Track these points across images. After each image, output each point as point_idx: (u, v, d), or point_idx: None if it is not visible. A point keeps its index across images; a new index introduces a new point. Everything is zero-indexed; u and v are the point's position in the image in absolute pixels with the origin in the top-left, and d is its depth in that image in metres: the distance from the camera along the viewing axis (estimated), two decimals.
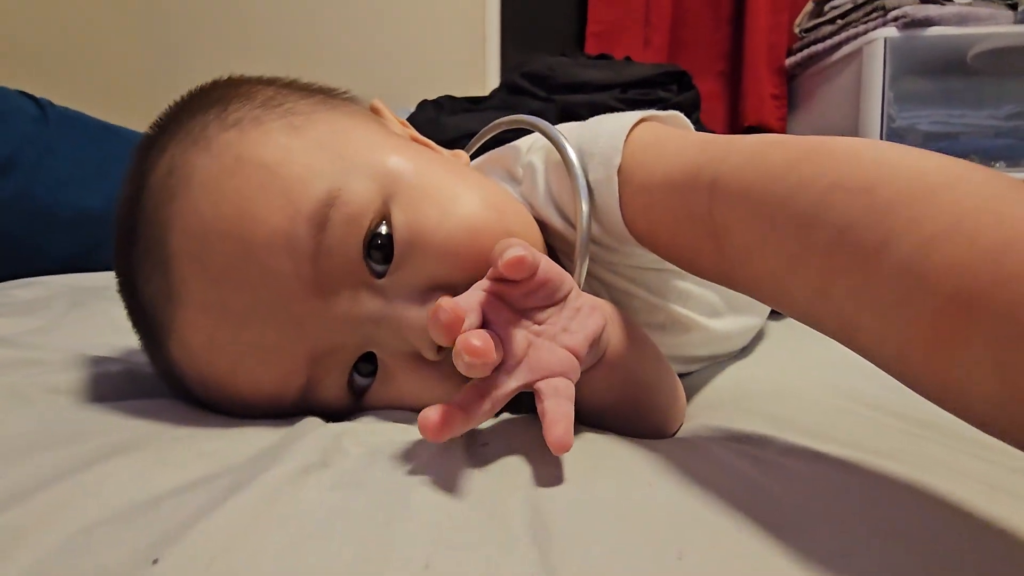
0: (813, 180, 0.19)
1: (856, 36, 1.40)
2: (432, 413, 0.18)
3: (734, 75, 1.75)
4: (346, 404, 0.28)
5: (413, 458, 0.19)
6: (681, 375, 0.38)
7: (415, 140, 0.34)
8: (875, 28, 1.35)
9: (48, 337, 0.38)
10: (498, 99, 1.34)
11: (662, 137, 0.30)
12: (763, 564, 0.13)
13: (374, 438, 0.21)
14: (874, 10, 1.36)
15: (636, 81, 1.29)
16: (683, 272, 0.34)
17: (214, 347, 0.25)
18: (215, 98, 0.28)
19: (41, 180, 0.79)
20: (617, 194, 0.29)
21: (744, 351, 0.43)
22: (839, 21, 1.47)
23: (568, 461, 0.19)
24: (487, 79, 1.76)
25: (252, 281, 0.24)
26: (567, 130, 0.33)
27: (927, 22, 1.30)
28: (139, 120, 1.02)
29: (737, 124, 1.74)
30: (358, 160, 0.27)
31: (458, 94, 1.51)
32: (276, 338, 0.25)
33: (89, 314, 0.46)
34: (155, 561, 0.11)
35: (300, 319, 0.25)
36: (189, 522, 0.13)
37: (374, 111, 0.34)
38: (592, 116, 1.38)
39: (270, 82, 0.31)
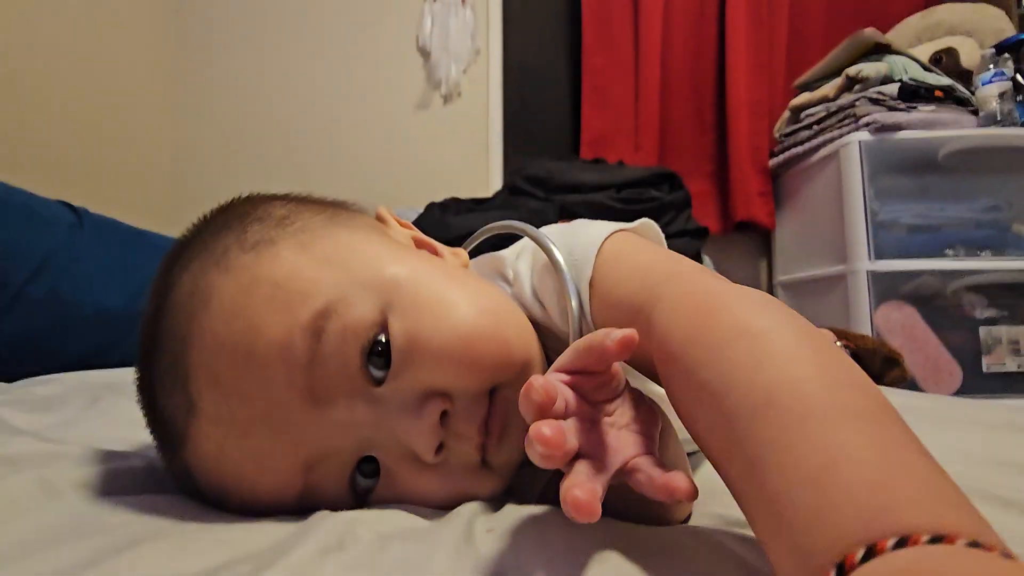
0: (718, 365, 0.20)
1: (832, 140, 1.52)
2: (575, 495, 0.18)
3: (722, 175, 1.87)
4: (351, 505, 0.27)
5: (422, 541, 0.20)
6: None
7: (417, 242, 0.35)
8: (849, 132, 1.46)
9: (70, 431, 0.39)
10: (500, 199, 1.43)
11: (624, 253, 0.32)
12: None
13: (383, 526, 0.22)
14: (846, 117, 1.48)
15: (629, 182, 1.39)
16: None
17: (222, 456, 0.26)
18: (235, 216, 0.30)
19: (69, 281, 0.83)
20: (589, 305, 0.31)
21: None
22: (815, 127, 1.59)
23: (571, 552, 0.20)
24: (490, 181, 1.87)
25: (252, 391, 0.25)
26: (550, 233, 0.35)
27: (896, 127, 1.41)
28: (166, 225, 1.09)
29: (729, 219, 1.82)
30: (359, 273, 0.28)
31: (464, 195, 1.62)
32: (271, 446, 0.25)
33: (107, 409, 0.48)
34: None
35: (294, 429, 0.25)
36: None
37: (379, 219, 0.35)
38: (589, 214, 1.44)
39: (285, 199, 0.33)
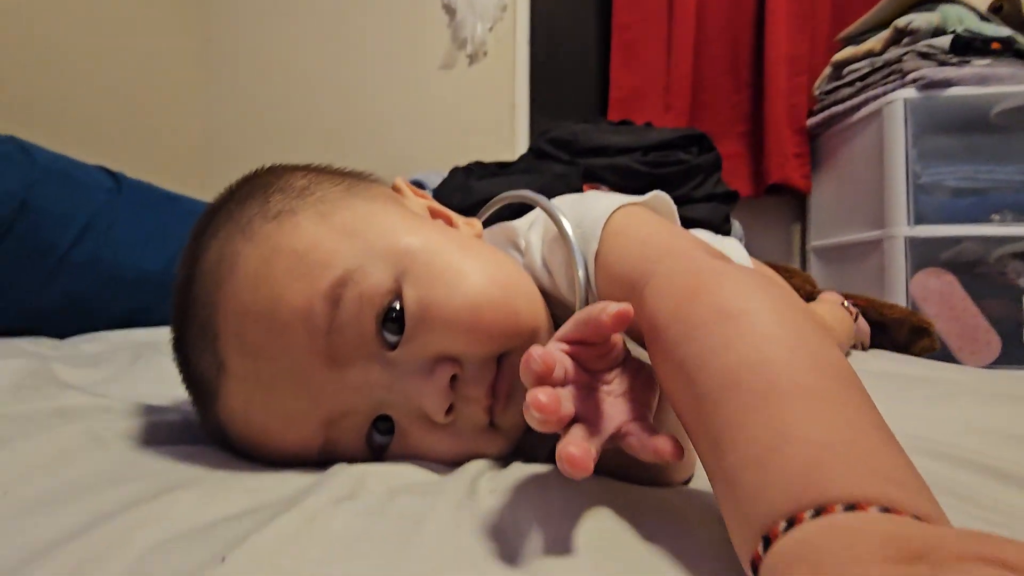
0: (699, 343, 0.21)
1: (875, 98, 1.44)
2: (569, 451, 0.19)
3: (756, 136, 1.80)
4: (368, 460, 0.29)
5: (427, 495, 0.21)
6: None
7: (433, 212, 0.36)
8: (894, 89, 1.38)
9: (115, 387, 0.43)
10: (524, 163, 1.41)
11: (628, 228, 0.32)
12: None
13: (394, 480, 0.24)
14: (892, 72, 1.40)
15: (657, 144, 1.35)
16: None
17: (249, 412, 0.28)
18: (259, 186, 0.32)
19: (109, 245, 0.87)
20: (595, 278, 0.32)
21: None
22: (857, 84, 1.51)
23: (571, 519, 0.21)
24: (516, 143, 1.85)
25: (276, 354, 0.27)
26: (562, 204, 0.36)
27: (946, 83, 1.32)
28: (199, 189, 1.12)
29: (762, 182, 1.76)
30: (375, 242, 0.29)
31: (489, 158, 1.60)
32: (294, 403, 0.28)
33: (148, 367, 0.51)
34: (223, 559, 0.14)
35: (315, 387, 0.27)
36: (244, 536, 0.16)
37: (395, 189, 0.37)
38: (615, 178, 1.43)
39: (305, 169, 0.34)
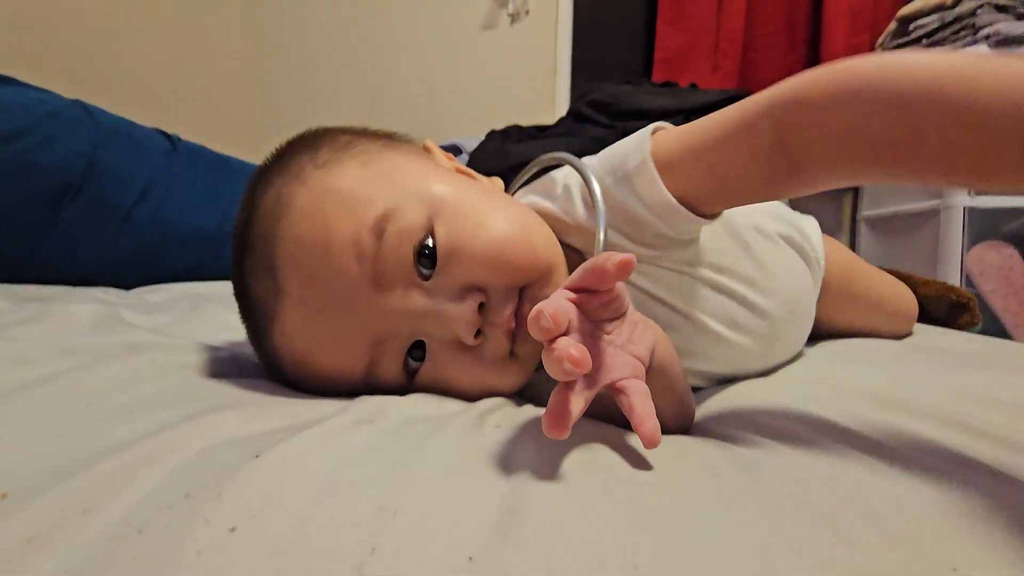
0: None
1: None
2: (548, 417, 0.21)
3: None
4: (402, 383, 0.33)
5: (438, 424, 0.24)
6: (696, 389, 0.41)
7: (459, 171, 0.40)
8: (964, 47, 1.28)
9: (176, 329, 0.47)
10: (563, 127, 1.40)
11: (680, 128, 0.35)
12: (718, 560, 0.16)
13: (411, 411, 0.26)
14: (963, 28, 1.30)
15: (700, 107, 1.31)
16: (705, 276, 0.39)
17: (305, 331, 0.32)
18: (307, 144, 0.36)
19: (169, 204, 0.94)
20: (655, 174, 0.34)
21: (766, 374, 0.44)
22: (924, 41, 1.40)
23: (562, 450, 0.23)
24: (556, 108, 1.82)
25: (331, 278, 0.31)
26: (592, 159, 0.39)
27: (1023, 40, 1.22)
28: (247, 151, 1.17)
29: None
30: (410, 187, 0.33)
31: (529, 121, 1.59)
32: (347, 324, 0.31)
33: (204, 315, 0.56)
34: (257, 456, 0.18)
35: (364, 310, 0.31)
36: (275, 443, 0.19)
37: (426, 149, 0.41)
38: None
39: (347, 130, 0.38)
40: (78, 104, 0.91)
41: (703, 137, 0.33)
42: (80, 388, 0.26)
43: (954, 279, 1.27)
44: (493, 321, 0.32)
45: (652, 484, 0.21)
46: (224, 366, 0.34)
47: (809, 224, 0.57)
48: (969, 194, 1.26)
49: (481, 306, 0.32)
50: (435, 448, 0.21)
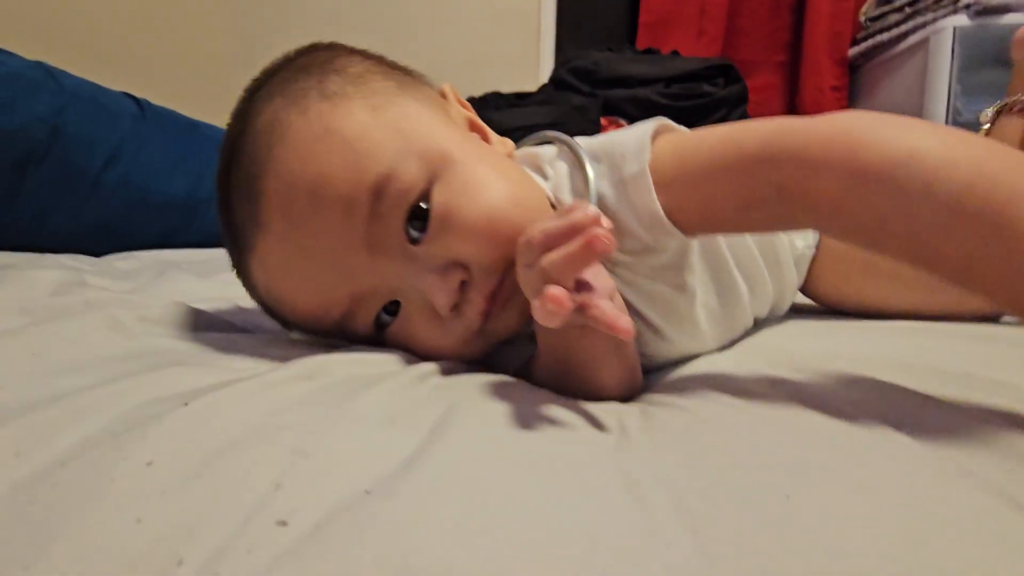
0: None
1: (924, 25, 1.34)
2: (545, 300, 0.23)
3: (793, 66, 1.70)
4: (370, 335, 0.33)
5: (378, 379, 0.25)
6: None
7: (471, 125, 0.38)
8: (945, 16, 1.28)
9: (139, 295, 0.48)
10: (543, 94, 1.39)
11: (681, 136, 0.34)
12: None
13: (355, 368, 0.27)
14: None
15: (681, 75, 1.30)
16: (675, 282, 0.38)
17: (285, 270, 0.31)
18: (317, 63, 0.33)
19: (138, 170, 0.92)
20: (651, 187, 0.32)
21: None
22: (907, 9, 1.40)
23: (498, 409, 0.24)
24: (540, 74, 1.79)
25: (321, 230, 0.30)
26: (590, 143, 0.37)
27: (1003, 8, 1.22)
28: (221, 115, 1.14)
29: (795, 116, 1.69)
30: (417, 143, 0.31)
31: (513, 87, 1.56)
32: (330, 277, 0.31)
33: (169, 282, 0.57)
34: (186, 404, 0.19)
35: (350, 267, 0.31)
36: (211, 390, 0.21)
37: (442, 95, 0.38)
38: (635, 110, 1.38)
39: (363, 55, 0.35)
40: (40, 66, 0.88)
41: (701, 166, 0.31)
42: (29, 342, 0.27)
43: None
44: (470, 299, 0.32)
45: (573, 443, 0.22)
46: (181, 323, 0.35)
47: None
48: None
49: (463, 283, 0.31)
50: (365, 401, 0.22)
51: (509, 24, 1.78)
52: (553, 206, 0.36)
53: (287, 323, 0.36)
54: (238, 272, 0.35)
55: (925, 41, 1.32)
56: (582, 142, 0.38)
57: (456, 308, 0.32)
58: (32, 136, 0.81)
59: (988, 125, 0.62)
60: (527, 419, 0.23)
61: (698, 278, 0.39)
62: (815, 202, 0.27)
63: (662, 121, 0.35)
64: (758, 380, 0.30)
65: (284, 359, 0.28)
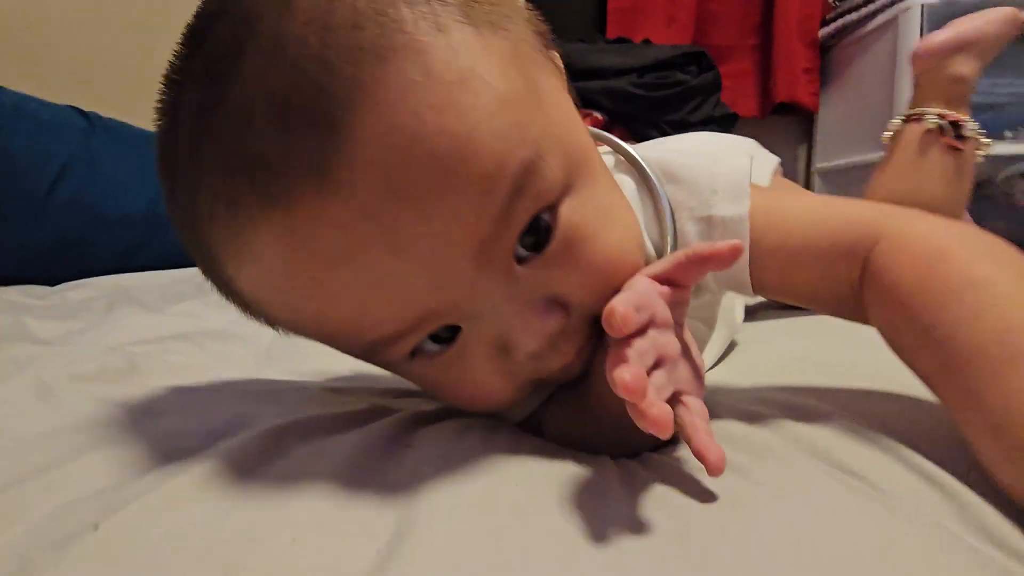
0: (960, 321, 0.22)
1: (892, 3, 1.33)
2: (650, 422, 0.19)
3: (765, 50, 1.69)
4: (400, 360, 0.24)
5: (332, 454, 0.23)
6: None
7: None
8: None
9: (81, 341, 0.44)
10: None
11: (774, 202, 0.30)
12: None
13: (321, 444, 0.23)
14: None
15: (654, 64, 1.28)
16: (711, 315, 0.38)
17: (349, 259, 0.20)
18: None
19: (90, 187, 0.87)
20: (747, 250, 0.28)
21: None
22: None
23: (466, 460, 0.22)
24: None
25: (435, 216, 0.20)
26: (655, 157, 0.31)
27: None
28: None
29: (769, 101, 1.68)
30: (559, 133, 0.23)
31: None
32: (416, 282, 0.21)
33: (117, 319, 0.52)
34: (96, 527, 0.16)
35: (448, 276, 0.22)
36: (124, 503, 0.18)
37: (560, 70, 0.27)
38: (609, 102, 1.35)
39: None
40: None
41: (791, 250, 0.28)
42: None
43: None
44: (559, 347, 0.25)
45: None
46: (113, 379, 0.32)
47: (762, 156, 0.52)
48: None
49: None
50: (323, 487, 0.19)
51: None
52: None
53: (274, 323, 0.26)
54: (226, 233, 0.22)
55: (894, 20, 1.32)
56: (643, 154, 0.32)
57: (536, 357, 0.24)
58: None
59: (891, 133, 0.64)
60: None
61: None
62: (877, 284, 0.26)
63: (753, 153, 0.33)
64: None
65: (223, 426, 0.25)
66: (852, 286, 0.27)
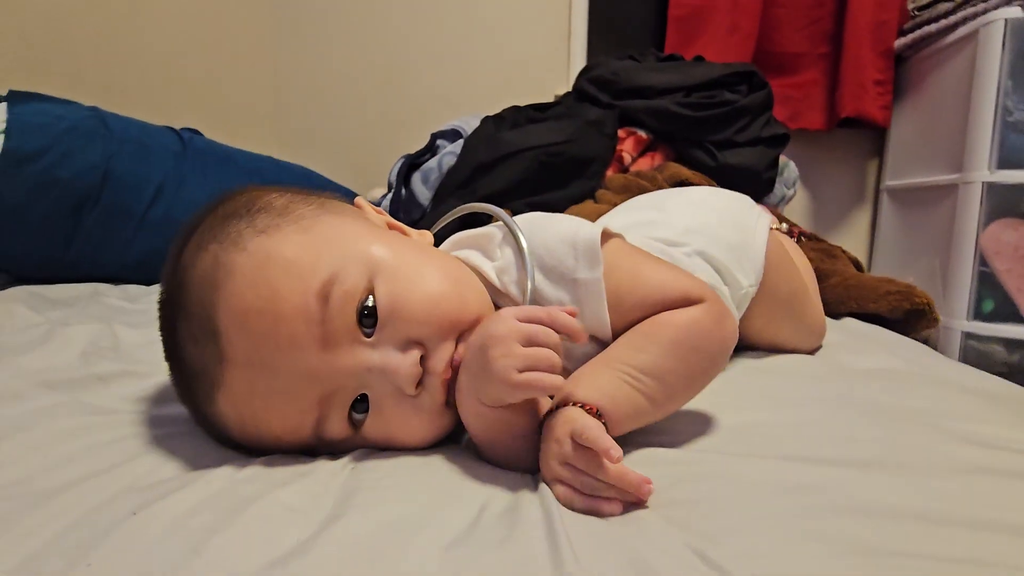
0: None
1: (975, 16, 1.24)
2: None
3: (836, 59, 1.60)
4: (348, 435, 0.36)
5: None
6: None
7: (390, 225, 0.43)
8: (997, 7, 1.18)
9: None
10: (563, 107, 1.39)
11: (618, 266, 0.41)
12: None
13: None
14: None
15: (702, 83, 1.27)
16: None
17: (253, 393, 0.34)
18: (241, 206, 0.37)
19: (178, 205, 1.02)
20: (604, 296, 0.40)
21: None
22: None
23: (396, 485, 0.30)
24: (571, 77, 1.76)
25: (281, 343, 0.33)
26: (535, 232, 0.42)
27: None
28: (267, 140, 1.21)
29: (834, 115, 1.60)
30: (350, 250, 0.36)
31: (541, 88, 1.55)
32: (296, 383, 0.33)
33: None
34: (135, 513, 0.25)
35: (313, 369, 0.33)
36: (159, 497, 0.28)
37: (357, 207, 0.43)
38: (653, 122, 1.43)
39: (280, 192, 0.39)
40: (94, 114, 0.99)
41: (634, 303, 0.40)
42: (33, 438, 0.35)
43: (969, 257, 1.22)
44: (432, 370, 0.35)
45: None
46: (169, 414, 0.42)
47: (752, 242, 0.57)
48: (990, 168, 1.19)
49: (422, 358, 0.35)
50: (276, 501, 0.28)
51: (539, 25, 1.77)
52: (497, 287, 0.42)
53: (263, 451, 0.37)
54: (204, 422, 0.37)
55: (974, 33, 1.23)
56: (524, 226, 0.42)
57: (420, 384, 0.35)
58: (87, 182, 0.92)
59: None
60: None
61: None
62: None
63: (603, 227, 0.42)
64: None
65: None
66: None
